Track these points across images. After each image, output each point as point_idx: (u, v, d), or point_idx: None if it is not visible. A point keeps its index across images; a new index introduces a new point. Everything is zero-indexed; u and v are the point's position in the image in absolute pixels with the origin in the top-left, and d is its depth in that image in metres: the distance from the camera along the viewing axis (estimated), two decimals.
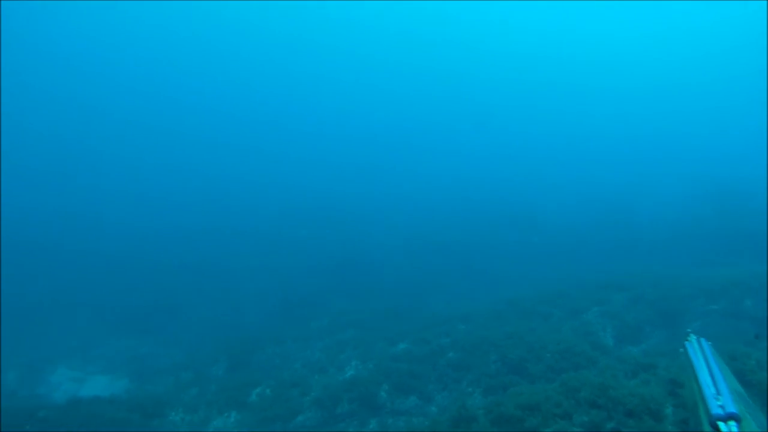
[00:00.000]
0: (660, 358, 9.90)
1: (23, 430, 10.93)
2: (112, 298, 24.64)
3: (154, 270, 28.01)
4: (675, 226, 26.41)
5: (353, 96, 76.02)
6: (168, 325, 21.78)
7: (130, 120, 63.56)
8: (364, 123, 66.76)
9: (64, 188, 44.07)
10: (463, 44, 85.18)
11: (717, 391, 2.53)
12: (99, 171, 49.60)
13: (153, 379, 15.59)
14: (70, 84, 67.52)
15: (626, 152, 47.01)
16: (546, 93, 72.48)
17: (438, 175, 44.48)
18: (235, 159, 54.46)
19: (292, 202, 39.03)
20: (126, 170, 49.90)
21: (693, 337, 3.26)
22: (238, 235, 33.13)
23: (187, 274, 27.41)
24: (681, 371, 6.89)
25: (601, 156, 46.81)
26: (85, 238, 33.17)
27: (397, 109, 70.45)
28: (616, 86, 71.92)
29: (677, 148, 46.83)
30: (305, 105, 73.70)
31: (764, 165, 32.01)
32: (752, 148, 40.07)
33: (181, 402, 12.87)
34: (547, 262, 25.82)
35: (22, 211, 35.89)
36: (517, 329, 13.48)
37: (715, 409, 2.41)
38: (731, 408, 2.38)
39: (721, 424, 2.33)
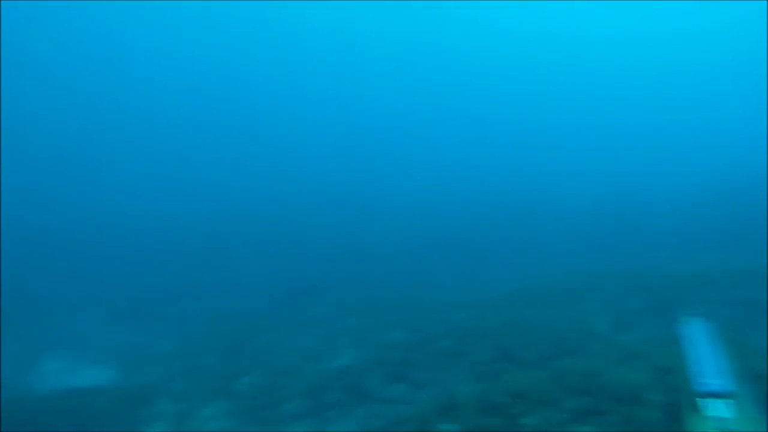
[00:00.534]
0: (653, 346, 9.76)
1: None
2: (110, 287, 24.58)
3: (155, 259, 27.94)
4: (676, 214, 26.16)
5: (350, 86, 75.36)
6: (167, 314, 21.69)
7: (125, 109, 62.86)
8: (367, 111, 66.26)
9: (59, 177, 43.94)
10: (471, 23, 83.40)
11: (709, 370, 2.42)
12: (98, 161, 49.20)
13: (144, 368, 15.47)
14: (71, 77, 66.67)
15: (628, 141, 46.60)
16: (550, 80, 71.80)
17: (437, 162, 44.22)
18: (236, 148, 54.15)
19: (295, 191, 38.86)
20: (125, 159, 49.30)
21: (690, 319, 3.09)
22: (242, 223, 33.00)
23: (189, 263, 27.33)
24: (673, 358, 6.76)
25: (602, 144, 46.51)
26: (83, 228, 32.96)
27: (397, 97, 69.88)
28: (622, 73, 71.20)
29: (679, 136, 46.44)
30: (309, 95, 73.19)
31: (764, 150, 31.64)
32: (753, 135, 39.67)
33: (170, 391, 12.75)
34: (546, 251, 25.62)
35: (19, 201, 35.66)
36: (513, 318, 13.33)
37: (706, 387, 2.28)
38: (723, 387, 2.24)
39: (710, 401, 2.19)
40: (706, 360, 2.49)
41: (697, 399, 2.14)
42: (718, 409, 2.05)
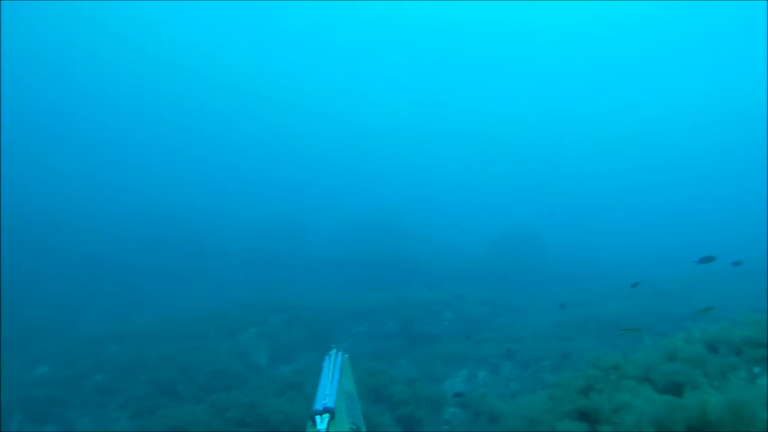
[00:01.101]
0: (308, 376, 10.58)
1: None
2: None
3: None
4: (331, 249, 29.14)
5: None
6: None
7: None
8: None
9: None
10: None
11: (324, 392, 2.91)
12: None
13: None
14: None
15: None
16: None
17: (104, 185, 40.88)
18: None
19: None
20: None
21: (333, 351, 3.63)
22: None
23: None
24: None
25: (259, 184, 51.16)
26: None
27: None
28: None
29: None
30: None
31: None
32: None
33: None
34: (208, 282, 25.76)
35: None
36: (171, 350, 12.89)
37: (317, 405, 2.77)
38: (329, 404, 2.76)
39: (317, 418, 2.70)
40: (326, 384, 3.09)
41: (312, 417, 2.72)
42: (321, 423, 2.66)
